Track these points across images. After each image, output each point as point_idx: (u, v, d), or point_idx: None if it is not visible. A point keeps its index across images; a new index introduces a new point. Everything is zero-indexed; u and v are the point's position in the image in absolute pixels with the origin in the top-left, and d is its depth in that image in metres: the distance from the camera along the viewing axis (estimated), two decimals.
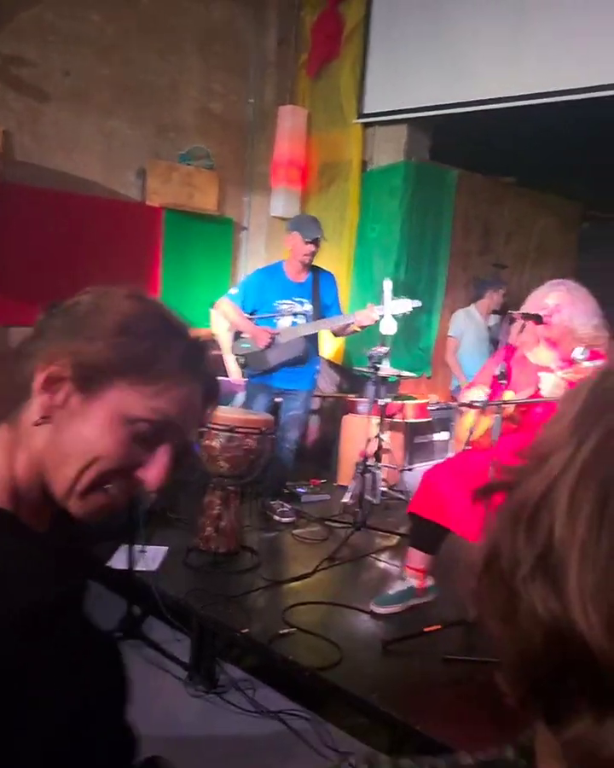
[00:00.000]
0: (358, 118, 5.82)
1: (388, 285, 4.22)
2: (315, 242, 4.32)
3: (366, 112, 5.81)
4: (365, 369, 4.53)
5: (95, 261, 5.30)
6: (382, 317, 4.20)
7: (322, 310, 4.43)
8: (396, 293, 5.12)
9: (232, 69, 6.13)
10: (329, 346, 5.80)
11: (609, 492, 0.36)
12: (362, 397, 5.08)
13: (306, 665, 2.79)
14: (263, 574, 3.57)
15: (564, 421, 0.41)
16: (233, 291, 4.54)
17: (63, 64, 5.22)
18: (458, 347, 5.75)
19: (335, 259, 5.85)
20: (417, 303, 4.29)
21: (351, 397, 5.34)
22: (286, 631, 3.01)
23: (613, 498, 0.36)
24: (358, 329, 4.35)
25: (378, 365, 4.30)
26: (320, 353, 4.66)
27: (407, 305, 4.17)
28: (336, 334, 4.58)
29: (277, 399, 4.50)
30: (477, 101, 5.12)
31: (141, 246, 5.60)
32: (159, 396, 0.84)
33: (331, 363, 5.91)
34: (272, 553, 3.93)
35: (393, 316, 4.22)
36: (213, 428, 3.61)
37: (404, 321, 5.47)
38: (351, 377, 5.89)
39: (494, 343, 5.86)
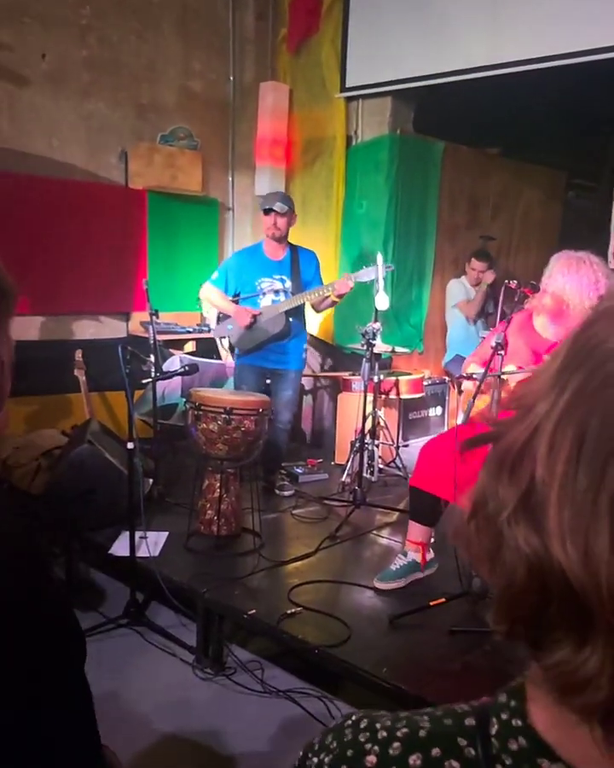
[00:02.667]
0: (341, 92, 5.73)
1: (380, 258, 4.18)
2: (268, 212, 4.29)
3: (348, 85, 5.73)
4: (358, 346, 4.51)
5: (81, 247, 5.23)
6: (376, 292, 4.17)
7: (303, 286, 4.40)
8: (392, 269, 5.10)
9: (211, 47, 6.02)
10: (315, 324, 5.78)
11: (585, 433, 0.38)
12: (355, 375, 5.06)
13: (315, 643, 2.80)
14: (266, 555, 3.57)
15: (549, 371, 0.43)
16: (214, 276, 4.53)
17: (40, 47, 5.11)
18: (453, 319, 5.77)
19: (322, 237, 5.81)
20: (390, 267, 4.31)
21: (345, 375, 5.32)
22: (292, 610, 3.02)
23: (590, 438, 0.38)
24: (336, 300, 4.34)
25: (372, 342, 4.27)
26: (305, 330, 4.62)
27: (380, 269, 4.15)
28: (316, 309, 4.55)
29: (267, 381, 4.47)
30: (460, 70, 5.05)
31: (127, 229, 5.52)
32: None
33: (318, 341, 5.88)
34: (273, 534, 3.93)
35: (368, 281, 4.21)
36: (211, 411, 3.59)
37: (395, 297, 5.46)
38: (339, 355, 5.87)
39: (484, 316, 5.86)
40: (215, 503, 3.65)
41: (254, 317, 4.34)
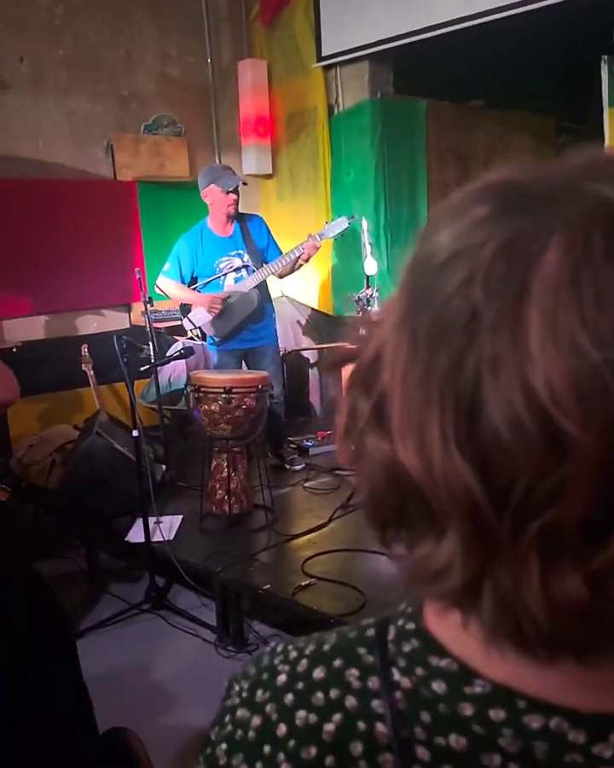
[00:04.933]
0: (318, 61, 5.66)
1: (365, 224, 4.16)
2: (236, 191, 4.21)
3: (325, 54, 5.65)
4: (356, 313, 4.50)
5: (76, 243, 5.27)
6: (365, 257, 4.16)
7: (261, 255, 4.33)
8: (378, 233, 5.05)
9: (185, 30, 5.98)
10: (314, 297, 5.75)
11: (417, 329, 0.39)
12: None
13: (331, 613, 2.83)
14: (279, 530, 3.60)
15: (399, 290, 0.44)
16: (166, 267, 4.42)
17: (17, 51, 5.13)
18: None
19: (313, 208, 5.78)
20: (349, 220, 4.25)
21: (347, 345, 5.30)
22: (306, 582, 3.04)
23: (421, 334, 0.39)
24: (304, 262, 4.29)
25: (367, 308, 4.26)
26: (271, 300, 4.57)
27: (342, 223, 4.13)
28: (282, 276, 4.48)
29: (244, 362, 4.45)
30: (435, 25, 4.95)
31: (120, 222, 5.54)
32: None
33: (319, 314, 5.87)
34: (286, 508, 3.97)
35: (334, 238, 4.21)
36: (210, 393, 3.62)
37: (392, 259, 5.42)
38: (342, 324, 5.84)
39: None
40: (224, 483, 3.68)
41: (223, 301, 4.26)
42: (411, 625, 0.49)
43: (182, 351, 3.65)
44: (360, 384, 0.44)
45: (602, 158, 0.41)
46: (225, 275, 4.32)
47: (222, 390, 3.59)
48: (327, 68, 5.70)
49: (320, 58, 5.65)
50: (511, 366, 0.35)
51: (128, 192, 5.58)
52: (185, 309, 4.45)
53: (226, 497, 3.68)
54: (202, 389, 3.62)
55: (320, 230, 4.22)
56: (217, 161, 6.14)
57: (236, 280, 4.33)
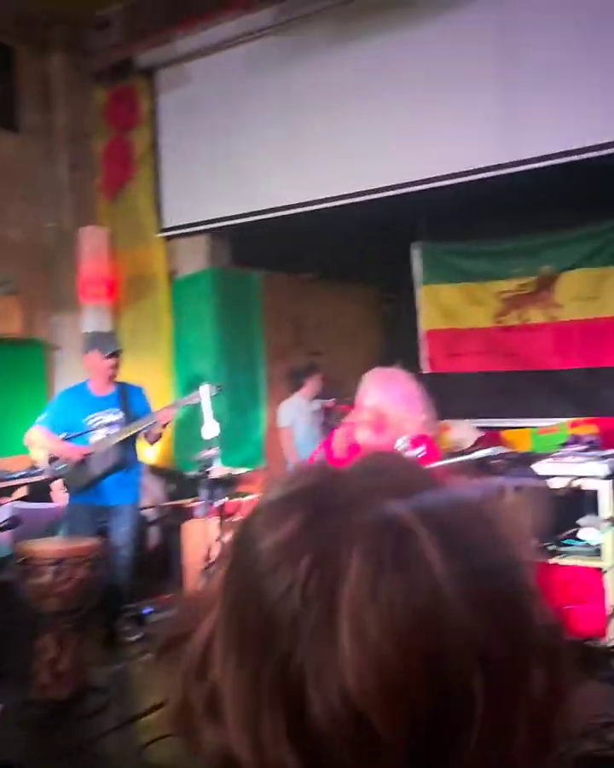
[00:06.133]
0: (159, 232, 5.99)
1: (205, 388, 4.27)
2: (115, 355, 4.38)
3: (167, 226, 6.00)
4: (197, 474, 4.51)
5: None
6: (204, 422, 4.24)
7: (135, 419, 4.39)
8: (218, 394, 5.18)
9: (26, 197, 6.13)
10: (154, 451, 5.73)
11: (244, 634, 0.43)
12: (198, 501, 5.01)
13: None
14: (115, 713, 3.32)
15: (217, 578, 0.48)
16: (41, 418, 4.47)
17: None
18: (293, 437, 5.85)
19: (154, 368, 5.87)
20: (219, 386, 4.45)
21: (188, 502, 5.26)
22: None
23: (246, 633, 0.43)
24: (162, 429, 4.42)
25: (208, 468, 4.29)
26: (140, 461, 4.61)
27: (193, 398, 4.33)
28: (150, 440, 4.56)
29: (102, 519, 4.33)
30: (267, 209, 5.46)
31: None
32: None
33: (159, 468, 5.82)
34: (123, 687, 3.68)
35: (193, 405, 4.35)
36: (39, 564, 3.40)
37: (233, 417, 5.55)
38: (183, 481, 5.81)
39: (326, 426, 6.03)
40: (50, 665, 3.38)
41: (85, 454, 4.25)
42: None
43: (6, 522, 3.44)
44: (193, 672, 0.47)
45: (390, 467, 0.50)
46: (94, 431, 4.32)
47: (51, 561, 3.39)
48: (168, 238, 6.02)
49: (161, 230, 5.98)
50: (328, 668, 0.40)
51: None
52: (52, 460, 4.39)
53: (52, 681, 3.36)
54: (29, 561, 3.40)
55: (179, 399, 4.36)
56: (56, 319, 6.17)
57: (107, 434, 4.33)
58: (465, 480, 0.53)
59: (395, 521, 0.43)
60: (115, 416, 4.39)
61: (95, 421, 4.36)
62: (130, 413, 4.41)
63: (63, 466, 4.33)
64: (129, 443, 4.39)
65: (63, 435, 4.38)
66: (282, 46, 5.31)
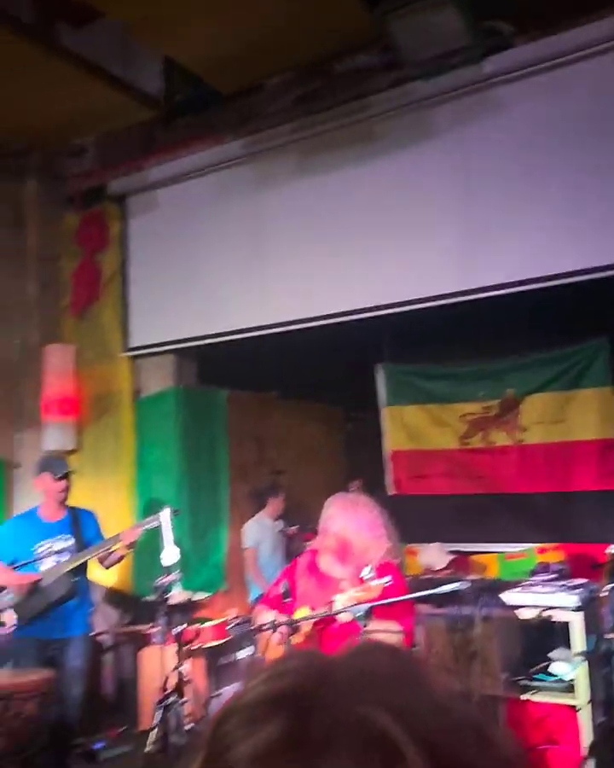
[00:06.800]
0: (125, 351, 6.04)
1: (166, 513, 4.18)
2: (66, 477, 4.35)
3: (132, 345, 6.06)
4: (155, 599, 4.33)
5: None
6: (164, 547, 4.13)
7: (86, 545, 4.29)
8: (180, 516, 5.07)
9: None
10: (111, 575, 5.51)
11: None
12: (155, 626, 4.78)
13: None
14: None
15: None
16: None
17: None
18: (258, 557, 5.69)
19: (116, 486, 5.77)
20: (178, 511, 4.41)
21: (144, 628, 5.02)
22: None
23: None
24: (125, 552, 4.29)
25: (166, 595, 4.13)
26: (91, 592, 4.47)
27: (153, 521, 4.26)
28: (106, 565, 4.40)
29: (50, 653, 4.08)
30: (233, 330, 5.56)
31: None
32: None
33: (116, 593, 5.57)
34: None
35: (156, 527, 4.25)
36: None
37: (193, 539, 5.40)
38: (140, 606, 5.56)
39: (289, 553, 5.88)
40: None
41: (34, 582, 4.07)
42: None
43: None
44: None
45: (381, 668, 0.47)
46: (43, 559, 4.18)
47: None
48: (134, 357, 6.05)
49: (127, 349, 6.04)
50: None
51: None
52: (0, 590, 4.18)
53: None
54: None
55: (143, 520, 4.27)
56: (18, 436, 6.06)
57: (56, 562, 4.17)
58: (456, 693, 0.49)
59: (382, 740, 0.40)
60: (65, 542, 4.26)
61: (45, 549, 4.22)
62: (81, 539, 4.30)
63: (11, 596, 4.11)
64: (81, 570, 4.23)
65: (12, 564, 4.21)
66: (249, 175, 5.57)
